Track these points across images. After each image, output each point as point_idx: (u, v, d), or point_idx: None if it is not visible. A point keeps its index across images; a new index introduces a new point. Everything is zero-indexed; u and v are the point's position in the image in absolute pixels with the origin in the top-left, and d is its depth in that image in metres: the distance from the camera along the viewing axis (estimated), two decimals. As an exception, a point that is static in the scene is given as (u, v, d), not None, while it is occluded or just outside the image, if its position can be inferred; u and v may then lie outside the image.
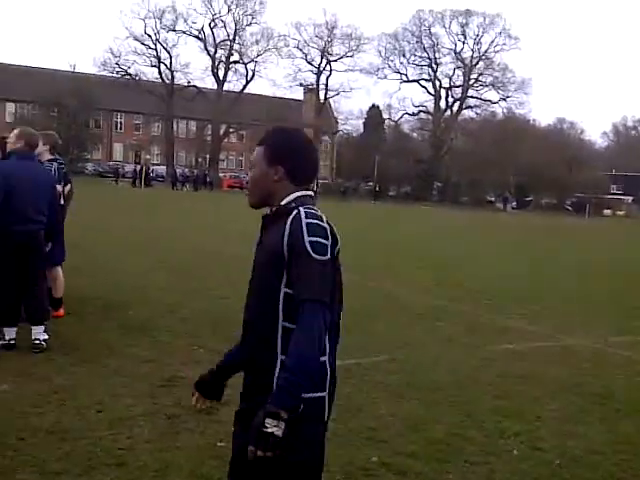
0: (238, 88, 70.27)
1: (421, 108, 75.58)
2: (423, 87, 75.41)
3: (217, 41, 69.08)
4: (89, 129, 62.90)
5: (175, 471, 3.84)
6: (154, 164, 65.44)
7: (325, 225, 2.27)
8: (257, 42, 69.28)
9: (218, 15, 68.45)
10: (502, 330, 8.38)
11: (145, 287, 9.37)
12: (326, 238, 2.24)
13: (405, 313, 9.05)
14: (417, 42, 73.26)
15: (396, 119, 76.21)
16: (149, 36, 66.88)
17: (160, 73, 68.16)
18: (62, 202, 6.91)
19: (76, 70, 64.03)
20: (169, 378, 5.41)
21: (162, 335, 6.85)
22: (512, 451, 4.50)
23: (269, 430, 2.05)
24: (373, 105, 77.18)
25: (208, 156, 70.10)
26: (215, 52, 69.29)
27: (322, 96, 74.08)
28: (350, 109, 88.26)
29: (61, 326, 6.72)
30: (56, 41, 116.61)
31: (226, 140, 71.39)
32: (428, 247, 19.54)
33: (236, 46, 69.21)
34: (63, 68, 64.68)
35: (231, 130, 71.33)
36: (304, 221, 2.24)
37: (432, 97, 75.04)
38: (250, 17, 68.77)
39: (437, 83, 74.48)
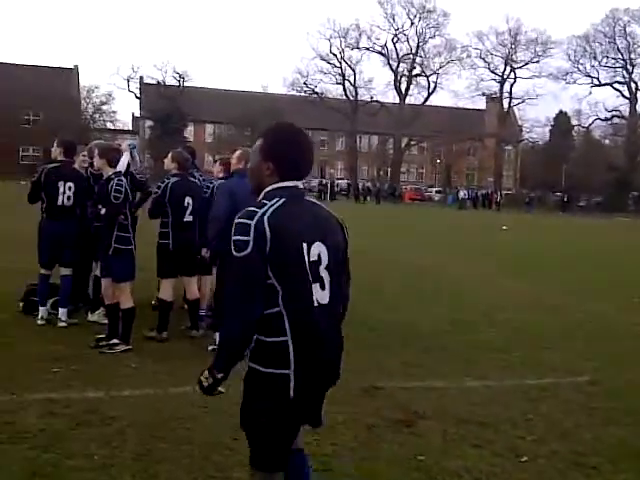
0: (419, 101, 70.50)
1: (614, 113, 70.79)
2: (617, 90, 70.63)
3: (400, 55, 69.85)
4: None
5: (379, 480, 3.93)
6: (338, 178, 67.27)
7: (247, 222, 2.49)
8: (439, 54, 69.16)
9: (401, 30, 69.25)
10: None
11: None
12: (247, 234, 2.48)
13: (607, 331, 8.51)
14: (610, 43, 68.77)
15: (586, 125, 72.08)
16: (334, 55, 69.20)
17: (345, 90, 70.18)
18: None
19: (268, 91, 67.73)
20: (367, 388, 5.53)
21: (354, 345, 7.00)
22: None
23: (201, 379, 2.68)
24: (560, 111, 73.58)
25: (389, 169, 70.80)
26: (397, 66, 70.06)
27: (506, 104, 72.04)
28: (536, 116, 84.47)
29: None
30: (250, 65, 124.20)
31: (407, 153, 71.70)
32: (633, 262, 18.21)
33: (418, 59, 69.54)
34: (256, 90, 68.78)
35: (412, 142, 71.54)
36: (235, 221, 2.55)
37: (627, 100, 70.05)
38: (433, 30, 68.84)
39: (633, 86, 69.41)
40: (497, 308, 9.63)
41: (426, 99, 70.44)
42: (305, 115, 66.67)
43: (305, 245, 2.56)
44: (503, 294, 11.15)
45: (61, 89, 58.67)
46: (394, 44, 69.57)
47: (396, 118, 66.55)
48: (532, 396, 5.64)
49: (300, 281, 2.55)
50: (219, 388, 2.70)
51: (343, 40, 68.72)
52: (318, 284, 2.60)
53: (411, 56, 69.50)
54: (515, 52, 69.82)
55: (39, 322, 6.91)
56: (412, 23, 68.70)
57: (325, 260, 2.63)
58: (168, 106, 59.53)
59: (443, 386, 5.79)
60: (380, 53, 70.18)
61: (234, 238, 2.51)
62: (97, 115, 63.66)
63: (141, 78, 66.12)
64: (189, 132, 65.40)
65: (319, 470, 3.98)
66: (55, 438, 4.19)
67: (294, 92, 68.35)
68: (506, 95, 71.83)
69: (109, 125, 64.15)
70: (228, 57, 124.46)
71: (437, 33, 68.80)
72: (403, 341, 7.29)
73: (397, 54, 69.75)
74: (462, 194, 58.17)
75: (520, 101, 71.49)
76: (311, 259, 2.58)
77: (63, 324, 6.89)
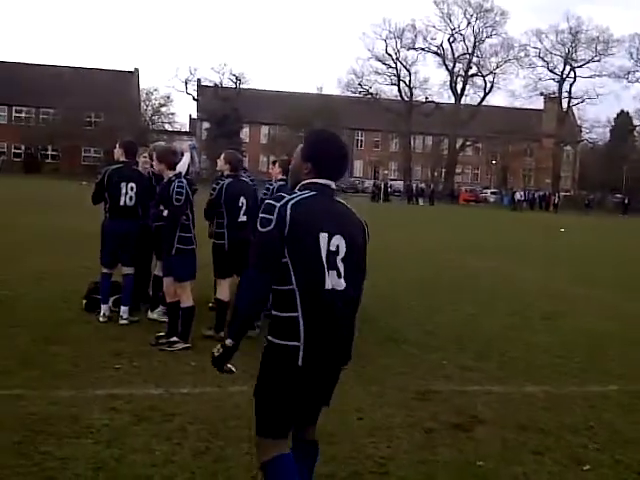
0: (475, 101, 69.67)
1: (680, 113, 68.50)
2: (683, 89, 68.35)
3: (456, 55, 69.18)
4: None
5: (437, 485, 3.90)
6: (391, 179, 66.96)
7: (274, 203, 2.82)
8: (496, 54, 68.26)
9: (457, 29, 68.60)
10: None
11: (396, 297, 9.57)
12: (271, 214, 2.79)
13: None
14: (675, 40, 66.64)
15: (649, 125, 69.91)
16: (390, 55, 68.97)
17: (399, 91, 69.88)
18: None
19: (322, 92, 67.93)
20: (423, 392, 5.49)
21: (411, 348, 6.98)
22: None
23: (213, 350, 2.93)
24: (622, 111, 71.68)
25: (444, 170, 70.13)
26: (453, 66, 69.39)
27: (565, 104, 70.52)
28: (596, 116, 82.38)
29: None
30: (305, 67, 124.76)
31: (462, 154, 70.89)
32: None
33: (475, 59, 68.74)
34: (310, 91, 69.09)
35: (467, 143, 70.69)
36: (265, 201, 2.90)
37: (694, 100, 67.71)
38: (490, 29, 67.98)
39: (699, 84, 67.04)
40: (556, 312, 9.44)
41: (482, 99, 69.61)
42: (359, 116, 66.75)
43: (326, 235, 2.85)
44: (562, 298, 10.91)
45: (122, 92, 60.16)
46: (450, 44, 69.02)
47: (451, 118, 65.86)
48: (594, 403, 5.50)
49: (313, 265, 2.82)
50: (229, 365, 2.91)
51: (399, 40, 68.54)
52: (335, 272, 2.86)
53: (467, 56, 68.77)
54: (575, 51, 68.45)
55: (101, 319, 7.09)
56: (469, 22, 68.08)
57: (343, 252, 2.89)
58: (224, 108, 60.32)
59: (501, 391, 5.71)
60: (436, 53, 69.72)
61: (261, 215, 2.84)
62: (156, 117, 64.96)
63: (199, 80, 67.21)
64: (245, 133, 66.15)
65: (375, 473, 3.98)
66: (118, 433, 4.29)
67: (349, 93, 68.41)
68: (565, 95, 70.49)
69: (167, 127, 65.34)
70: (284, 59, 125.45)
71: (494, 32, 68.04)
72: (460, 344, 7.21)
73: (453, 54, 69.18)
74: (518, 195, 57.17)
75: (580, 101, 70.16)
76: (331, 249, 2.86)
77: (125, 322, 7.06)
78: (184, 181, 6.51)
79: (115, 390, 5.08)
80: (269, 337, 2.88)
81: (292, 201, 2.83)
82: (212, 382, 5.40)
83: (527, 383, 5.97)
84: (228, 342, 2.86)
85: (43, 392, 4.93)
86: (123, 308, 7.11)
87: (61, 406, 4.68)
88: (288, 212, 2.79)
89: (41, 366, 5.53)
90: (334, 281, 2.85)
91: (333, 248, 2.86)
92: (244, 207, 6.83)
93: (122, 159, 7.27)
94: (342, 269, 2.87)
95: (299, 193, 2.90)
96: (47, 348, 6.06)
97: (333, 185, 2.98)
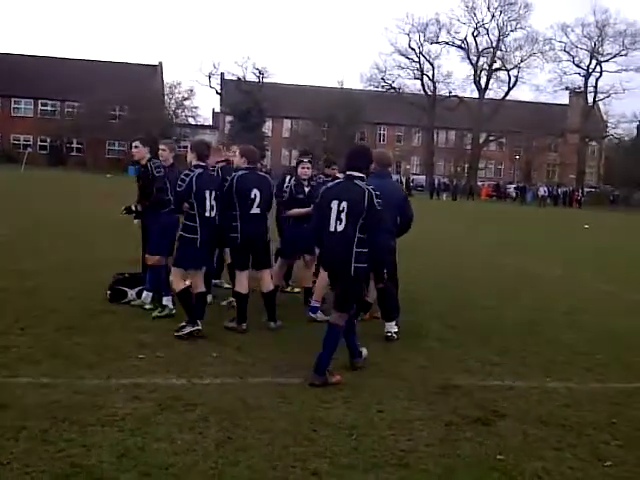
0: (499, 95, 69.08)
1: None
2: None
3: (480, 49, 68.62)
4: (355, 142, 66.10)
5: (458, 478, 3.90)
6: (414, 174, 66.66)
7: (324, 187, 5.78)
8: (520, 47, 67.63)
9: (481, 23, 68.02)
10: None
11: (411, 292, 9.55)
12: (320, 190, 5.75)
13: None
14: None
15: (677, 120, 68.78)
16: (413, 49, 68.60)
17: (423, 85, 69.51)
18: None
19: (344, 86, 67.85)
20: (443, 386, 5.49)
21: (433, 342, 6.97)
22: None
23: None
24: (649, 106, 70.57)
25: (467, 165, 69.67)
26: (477, 60, 68.86)
27: (590, 99, 69.66)
28: (622, 111, 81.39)
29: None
30: (327, 61, 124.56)
31: (485, 148, 70.37)
32: None
33: (499, 53, 68.14)
34: (332, 85, 68.94)
35: (491, 138, 70.15)
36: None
37: None
38: (515, 22, 67.30)
39: None
40: (579, 309, 9.36)
41: (506, 93, 68.98)
42: (382, 110, 66.50)
43: (337, 201, 5.39)
44: (585, 294, 10.82)
45: (146, 85, 60.47)
46: (474, 38, 68.49)
47: (475, 113, 65.41)
48: (617, 400, 5.46)
49: (326, 216, 5.43)
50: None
51: (422, 34, 68.12)
52: (339, 221, 5.37)
53: (491, 50, 68.18)
54: (602, 45, 67.59)
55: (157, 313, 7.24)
56: (493, 16, 67.47)
57: (346, 210, 5.35)
58: (247, 101, 60.42)
59: (523, 386, 5.68)
60: (460, 47, 69.22)
61: (320, 190, 5.79)
62: (179, 110, 65.18)
63: (222, 74, 67.35)
64: (267, 127, 66.19)
65: (395, 465, 3.99)
66: (141, 422, 4.35)
67: (371, 87, 68.14)
68: (591, 89, 69.57)
69: (191, 120, 65.56)
70: (306, 53, 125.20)
71: (518, 26, 67.37)
72: (482, 339, 7.19)
73: (477, 48, 68.65)
74: (542, 191, 56.62)
75: (606, 95, 69.21)
76: (340, 209, 5.37)
77: (156, 311, 7.26)
78: (196, 172, 6.52)
79: (139, 379, 5.14)
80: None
81: (327, 186, 5.75)
82: (233, 373, 5.46)
83: (549, 379, 5.93)
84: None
85: (68, 381, 5.01)
86: (165, 298, 7.31)
87: (86, 395, 4.75)
88: (321, 191, 5.67)
89: (66, 355, 5.62)
90: (339, 227, 5.38)
91: (341, 208, 5.37)
92: (257, 199, 6.84)
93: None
94: (344, 220, 5.35)
95: (331, 183, 5.82)
96: (72, 338, 6.15)
97: (356, 174, 5.47)
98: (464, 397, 5.28)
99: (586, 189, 63.97)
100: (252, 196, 6.81)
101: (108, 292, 7.70)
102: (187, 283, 6.59)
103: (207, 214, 6.56)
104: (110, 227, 8.42)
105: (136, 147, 7.81)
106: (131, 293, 7.66)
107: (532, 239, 21.06)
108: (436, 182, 58.87)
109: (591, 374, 6.20)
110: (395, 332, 6.97)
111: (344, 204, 5.31)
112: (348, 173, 5.46)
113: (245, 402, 4.82)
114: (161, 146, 7.81)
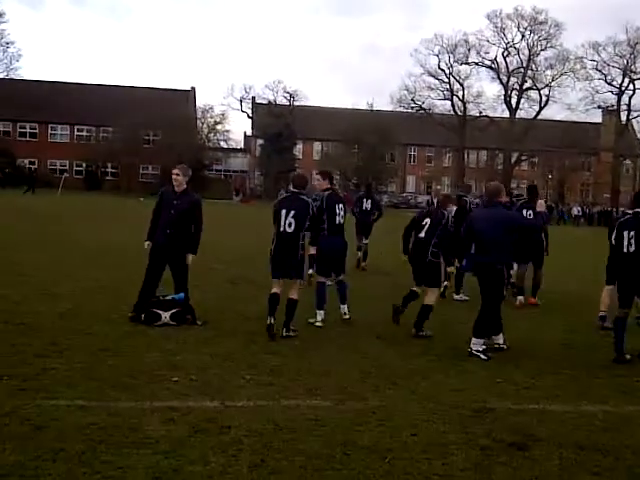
0: (531, 115, 68.58)
1: None
2: None
3: (510, 69, 68.34)
4: (386, 163, 66.10)
5: (493, 503, 3.85)
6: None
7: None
8: (551, 66, 67.19)
9: (511, 43, 67.79)
10: None
11: (450, 314, 9.48)
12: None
13: None
14: None
15: None
16: (442, 71, 68.57)
17: (453, 105, 69.35)
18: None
19: (374, 108, 68.02)
20: (478, 409, 5.43)
21: (466, 364, 6.91)
22: None
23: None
24: (684, 124, 69.52)
25: (499, 185, 69.07)
26: (508, 80, 68.55)
27: (624, 117, 68.87)
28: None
29: (372, 347, 7.19)
30: (355, 83, 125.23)
31: (517, 168, 69.83)
32: None
33: (529, 72, 67.76)
34: (362, 107, 69.18)
35: (523, 158, 69.62)
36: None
37: None
38: (545, 42, 66.97)
39: None
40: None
41: (538, 113, 68.50)
42: (412, 131, 66.53)
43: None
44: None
45: (179, 110, 61.30)
46: (504, 58, 68.20)
47: (506, 133, 65.02)
48: (656, 424, 5.35)
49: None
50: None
51: (451, 55, 68.11)
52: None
53: (522, 69, 67.85)
54: (634, 62, 66.79)
55: (318, 324, 8.25)
56: (523, 36, 67.20)
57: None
58: (278, 124, 60.89)
59: (558, 409, 5.60)
60: (490, 67, 68.99)
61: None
62: (212, 134, 65.93)
63: (253, 98, 68.09)
64: (298, 150, 66.58)
65: (431, 489, 3.95)
66: (175, 444, 4.38)
67: (401, 108, 68.23)
68: (624, 107, 68.78)
69: (222, 144, 66.27)
70: (335, 75, 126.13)
71: (549, 45, 66.93)
72: (515, 362, 7.11)
73: (507, 68, 68.31)
74: (575, 210, 55.88)
75: (639, 114, 68.24)
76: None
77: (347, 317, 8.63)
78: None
79: (173, 402, 5.19)
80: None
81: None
82: (266, 396, 5.48)
83: (585, 402, 5.84)
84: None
85: (103, 403, 5.08)
86: (342, 306, 8.64)
87: (121, 417, 4.81)
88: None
89: (101, 378, 5.70)
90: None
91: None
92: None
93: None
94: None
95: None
96: (107, 360, 6.23)
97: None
98: (499, 421, 5.22)
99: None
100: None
101: (142, 314, 7.80)
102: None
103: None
104: (141, 251, 8.59)
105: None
106: (165, 315, 7.76)
107: (566, 258, 20.76)
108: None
109: (629, 397, 6.08)
110: (478, 350, 7.30)
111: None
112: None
113: (278, 425, 4.83)
114: (174, 171, 7.96)
